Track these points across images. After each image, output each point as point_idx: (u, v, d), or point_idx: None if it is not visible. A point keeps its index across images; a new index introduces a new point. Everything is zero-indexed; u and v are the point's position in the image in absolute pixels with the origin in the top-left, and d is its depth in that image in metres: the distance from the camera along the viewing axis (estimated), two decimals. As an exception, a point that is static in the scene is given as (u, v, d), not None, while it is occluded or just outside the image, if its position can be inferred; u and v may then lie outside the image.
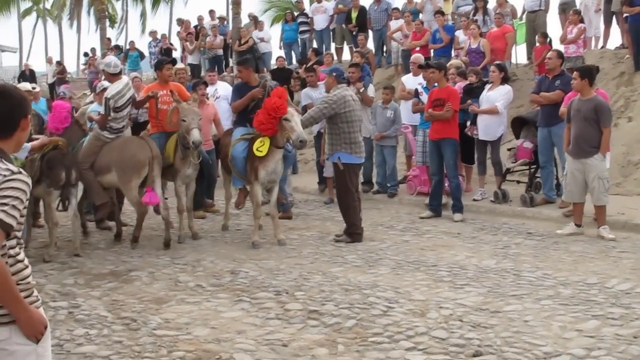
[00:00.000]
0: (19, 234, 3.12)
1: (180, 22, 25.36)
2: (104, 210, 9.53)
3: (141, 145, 9.33)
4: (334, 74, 9.89)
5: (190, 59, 22.63)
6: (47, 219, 9.23)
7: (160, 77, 10.25)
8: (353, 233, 9.62)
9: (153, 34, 25.58)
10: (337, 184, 9.99)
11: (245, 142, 9.59)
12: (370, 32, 20.25)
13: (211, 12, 24.72)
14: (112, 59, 11.00)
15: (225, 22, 24.96)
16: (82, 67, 26.39)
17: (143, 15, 41.69)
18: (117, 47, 27.71)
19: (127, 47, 26.50)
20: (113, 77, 9.63)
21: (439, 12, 17.41)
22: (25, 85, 12.15)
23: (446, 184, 11.32)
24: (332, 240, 9.58)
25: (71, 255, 9.00)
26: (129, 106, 9.65)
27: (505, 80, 12.07)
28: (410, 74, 13.69)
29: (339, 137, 9.63)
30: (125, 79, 9.90)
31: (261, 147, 9.24)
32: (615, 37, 17.22)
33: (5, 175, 3.03)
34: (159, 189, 9.44)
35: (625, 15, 15.34)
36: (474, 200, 11.85)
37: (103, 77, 11.36)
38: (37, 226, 10.63)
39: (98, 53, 28.00)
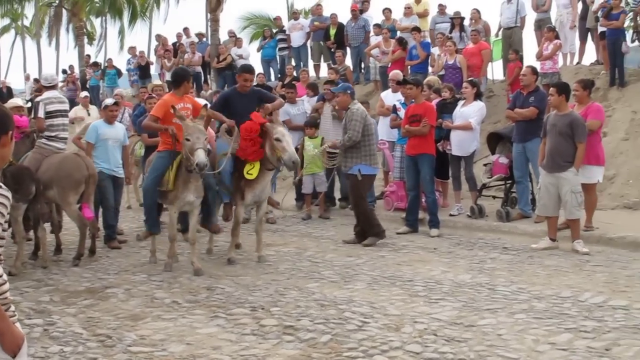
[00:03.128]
0: (0, 249, 3.12)
1: (158, 38, 25.38)
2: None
3: (78, 163, 9.57)
4: (349, 91, 10.54)
5: (169, 76, 22.53)
6: (15, 233, 9.25)
7: (178, 90, 9.22)
8: (379, 232, 10.28)
9: (132, 49, 25.58)
10: (354, 195, 10.62)
11: (230, 157, 9.15)
12: (348, 49, 20.36)
13: (185, 30, 24.77)
14: (48, 73, 11.56)
15: (204, 39, 25.00)
16: (60, 84, 26.28)
17: (121, 32, 41.61)
18: (95, 64, 27.69)
19: (105, 64, 26.48)
20: (46, 89, 10.28)
21: (416, 29, 17.55)
22: (17, 101, 12.17)
23: (423, 200, 11.38)
24: (344, 243, 10.41)
25: (40, 267, 9.26)
26: (61, 118, 10.00)
27: (478, 96, 12.20)
28: (389, 90, 13.78)
29: (359, 150, 10.34)
30: (55, 92, 10.42)
31: (251, 169, 9.03)
32: (590, 54, 17.46)
33: None
34: (92, 204, 9.74)
35: (600, 30, 15.57)
36: (451, 215, 11.93)
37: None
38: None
39: (76, 70, 27.96)
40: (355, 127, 10.20)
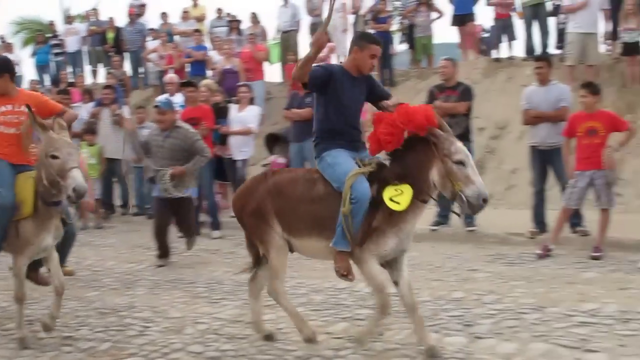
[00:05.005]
0: None
1: None
2: None
3: None
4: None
5: None
6: None
7: None
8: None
9: None
10: (190, 218, 9.81)
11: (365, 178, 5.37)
12: (127, 54, 20.04)
13: None
14: None
15: (-29, 44, 23.65)
16: None
17: None
18: None
19: None
20: None
21: (197, 31, 17.60)
22: None
23: (204, 203, 11.40)
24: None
25: None
26: None
27: (251, 99, 12.36)
28: (167, 95, 13.67)
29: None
30: None
31: (398, 196, 5.23)
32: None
33: None
34: None
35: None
36: (232, 216, 12.00)
37: None
38: None
39: None
40: (205, 148, 9.46)
